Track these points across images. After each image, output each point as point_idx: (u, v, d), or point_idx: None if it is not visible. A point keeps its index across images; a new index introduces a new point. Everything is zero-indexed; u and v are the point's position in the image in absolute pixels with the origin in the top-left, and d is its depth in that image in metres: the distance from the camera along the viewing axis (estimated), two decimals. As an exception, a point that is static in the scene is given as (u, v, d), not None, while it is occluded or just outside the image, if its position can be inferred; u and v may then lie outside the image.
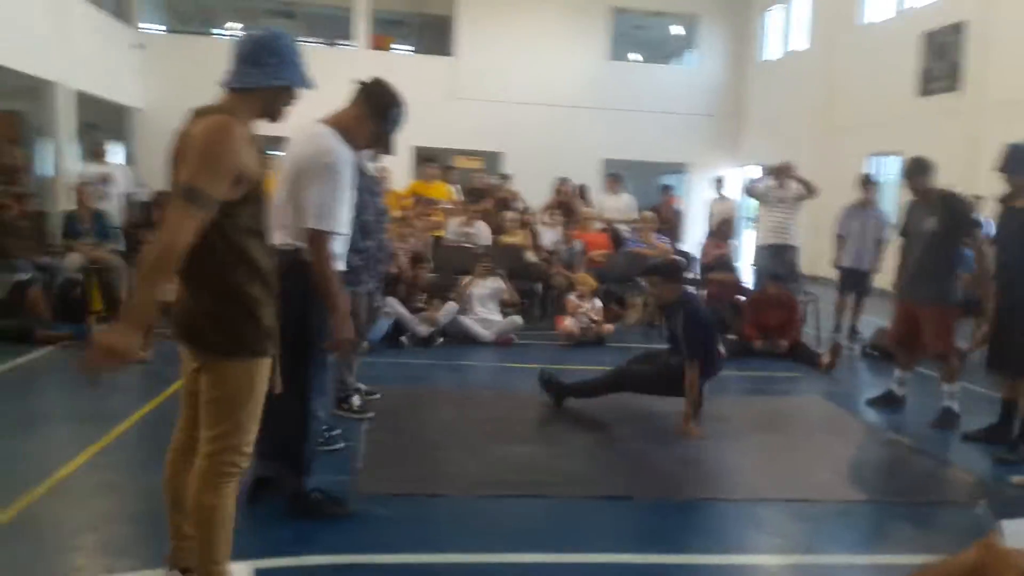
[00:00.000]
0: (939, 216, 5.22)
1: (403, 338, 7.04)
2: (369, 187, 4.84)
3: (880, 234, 8.19)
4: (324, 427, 4.10)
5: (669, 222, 10.63)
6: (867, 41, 14.02)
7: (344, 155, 3.05)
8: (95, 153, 9.06)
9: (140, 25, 15.99)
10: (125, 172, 10.04)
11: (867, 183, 8.41)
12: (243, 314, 2.32)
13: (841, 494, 3.97)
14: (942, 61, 11.98)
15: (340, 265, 3.16)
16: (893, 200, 11.66)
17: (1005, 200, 4.82)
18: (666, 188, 11.61)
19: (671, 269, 5.33)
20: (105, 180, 8.75)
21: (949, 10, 11.77)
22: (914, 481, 4.30)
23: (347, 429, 4.49)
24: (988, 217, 9.20)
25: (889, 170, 13.28)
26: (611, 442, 4.70)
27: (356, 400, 4.96)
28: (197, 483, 2.37)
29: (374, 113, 3.24)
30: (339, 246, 3.13)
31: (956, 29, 11.60)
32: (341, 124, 3.16)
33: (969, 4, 11.30)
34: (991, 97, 10.99)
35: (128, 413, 4.67)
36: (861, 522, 3.70)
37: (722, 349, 6.17)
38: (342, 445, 4.19)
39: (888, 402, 5.63)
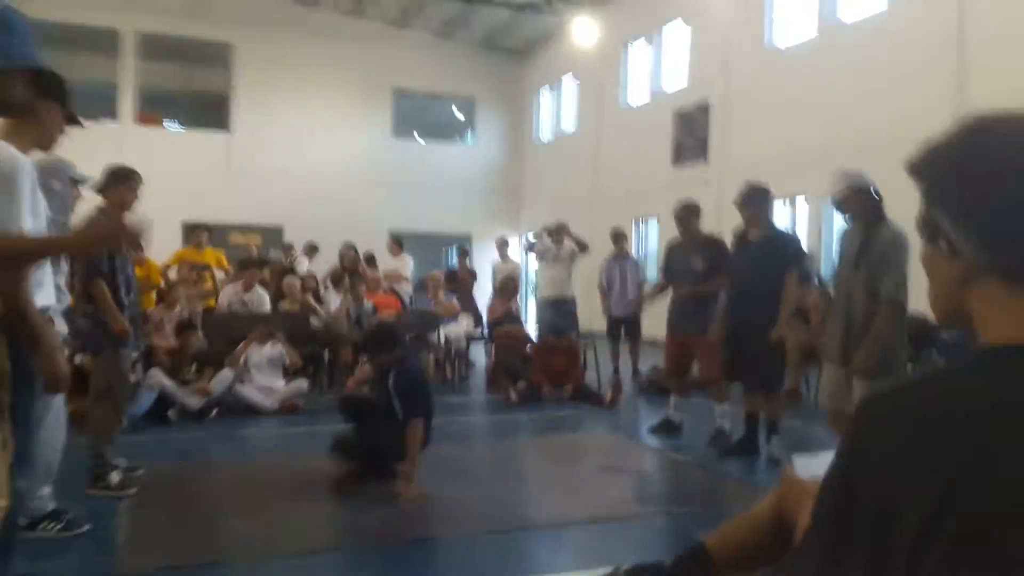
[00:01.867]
0: (703, 256, 5.71)
1: (170, 412, 6.33)
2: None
3: (638, 280, 8.83)
4: (47, 507, 3.52)
5: (465, 283, 10.75)
6: (628, 121, 15.44)
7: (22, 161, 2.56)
8: None
9: None
10: None
11: (618, 236, 9.08)
12: None
13: (634, 510, 4.04)
14: (691, 136, 13.43)
15: (42, 298, 2.60)
16: (655, 255, 12.73)
17: (740, 234, 5.34)
18: (462, 251, 11.91)
19: (380, 338, 4.69)
20: None
21: (695, 92, 13.30)
22: (699, 491, 4.49)
23: (106, 508, 3.92)
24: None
25: (649, 231, 14.58)
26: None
27: (114, 476, 4.33)
28: None
29: (53, 96, 2.75)
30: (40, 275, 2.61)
31: (702, 109, 13.11)
32: (10, 130, 2.63)
33: (712, 87, 12.85)
34: (732, 167, 12.43)
35: None
36: (654, 531, 3.77)
37: (513, 396, 6.25)
38: (87, 527, 3.56)
39: (667, 428, 5.92)
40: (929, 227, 0.96)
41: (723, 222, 12.22)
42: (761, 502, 1.76)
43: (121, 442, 4.67)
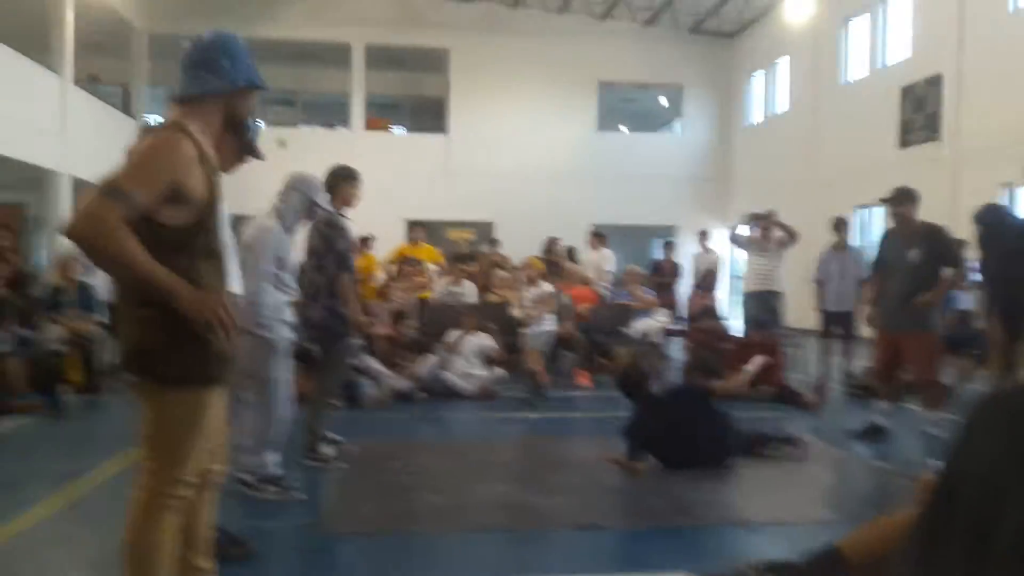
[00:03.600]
0: (922, 247, 5.24)
1: (363, 392, 6.68)
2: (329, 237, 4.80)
3: (859, 274, 8.15)
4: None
5: (668, 276, 10.61)
6: (847, 99, 14.35)
7: None
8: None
9: (145, 116, 16.51)
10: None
11: (839, 225, 8.44)
12: (192, 340, 2.14)
13: (817, 516, 3.84)
14: (920, 113, 12.21)
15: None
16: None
17: None
18: (668, 244, 11.71)
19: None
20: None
21: (924, 64, 12.08)
22: (894, 502, 4.17)
23: (317, 477, 4.42)
24: (973, 260, 9.23)
25: (873, 219, 13.40)
26: (592, 479, 4.57)
27: (328, 449, 4.87)
28: (131, 517, 2.16)
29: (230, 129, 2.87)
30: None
31: (932, 82, 11.88)
32: None
33: (943, 57, 11.61)
34: (967, 145, 11.15)
35: (95, 472, 4.58)
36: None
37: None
38: (302, 495, 4.03)
39: (873, 435, 5.50)
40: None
41: (957, 209, 11.03)
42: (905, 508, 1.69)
43: (337, 419, 5.22)
